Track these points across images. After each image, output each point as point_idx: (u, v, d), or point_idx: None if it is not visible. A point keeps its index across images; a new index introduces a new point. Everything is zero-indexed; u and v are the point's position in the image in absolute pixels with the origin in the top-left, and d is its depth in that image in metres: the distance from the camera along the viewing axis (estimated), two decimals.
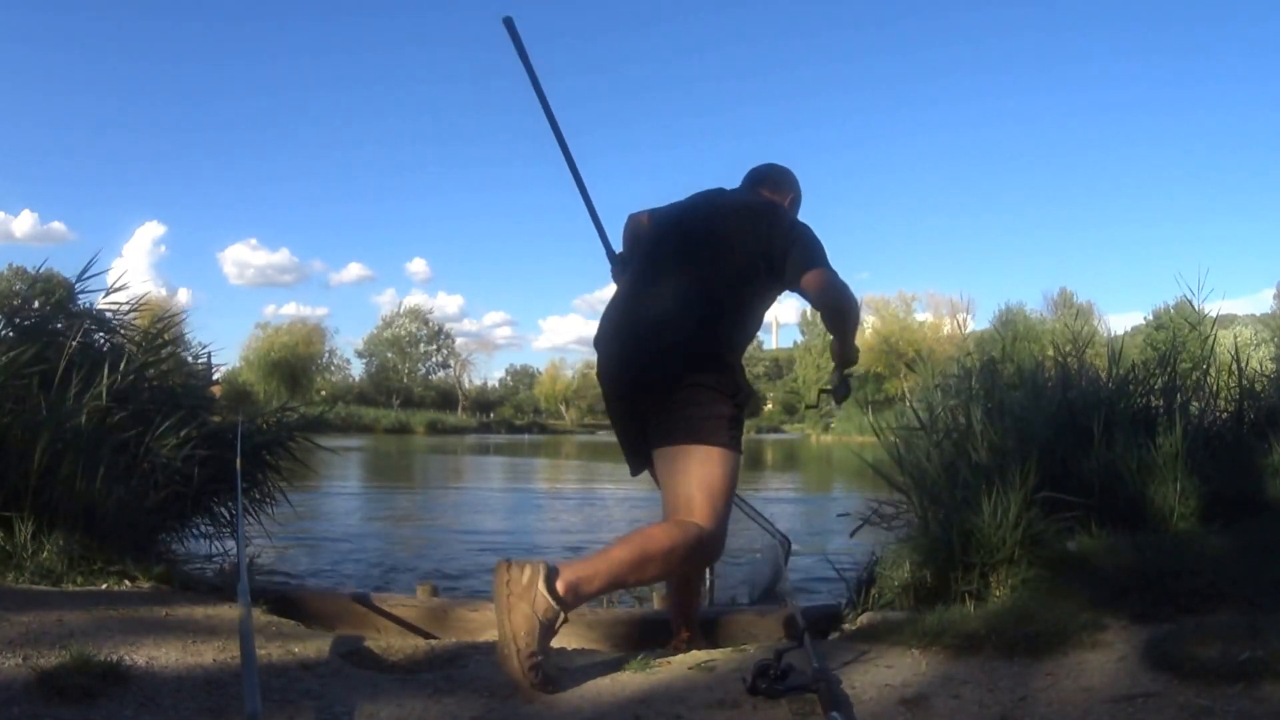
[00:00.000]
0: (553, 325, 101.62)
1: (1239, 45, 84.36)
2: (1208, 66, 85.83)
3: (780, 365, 77.32)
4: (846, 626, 2.55)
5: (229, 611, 2.47)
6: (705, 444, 2.19)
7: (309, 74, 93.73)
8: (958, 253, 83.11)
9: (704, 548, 2.16)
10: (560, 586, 1.92)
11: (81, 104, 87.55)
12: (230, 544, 3.95)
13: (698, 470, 2.18)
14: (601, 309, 2.59)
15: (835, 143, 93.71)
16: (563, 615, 1.93)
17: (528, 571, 1.92)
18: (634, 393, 2.35)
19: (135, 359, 3.87)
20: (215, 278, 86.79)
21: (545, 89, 2.73)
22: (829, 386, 2.64)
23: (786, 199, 2.68)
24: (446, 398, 65.83)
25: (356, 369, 65.83)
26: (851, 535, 3.30)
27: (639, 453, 2.43)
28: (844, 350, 2.52)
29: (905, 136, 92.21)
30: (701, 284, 2.34)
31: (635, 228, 2.70)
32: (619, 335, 2.40)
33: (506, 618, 1.88)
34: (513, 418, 63.87)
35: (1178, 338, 3.74)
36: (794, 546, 3.32)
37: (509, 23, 2.72)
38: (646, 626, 2.83)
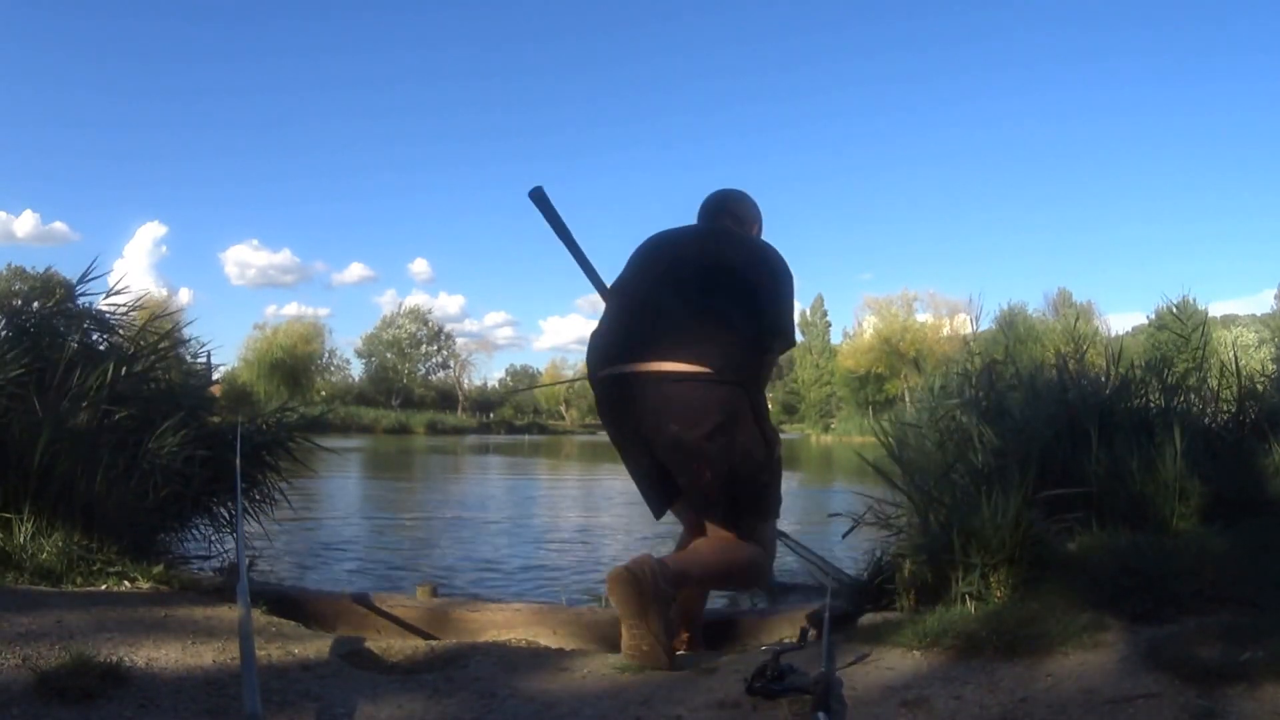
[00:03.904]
0: (554, 325, 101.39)
1: (1239, 45, 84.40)
2: (1208, 66, 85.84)
3: (780, 365, 77.22)
4: (847, 627, 2.55)
5: (229, 612, 2.46)
6: (763, 520, 2.36)
7: (311, 74, 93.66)
8: (959, 253, 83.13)
9: (763, 570, 2.41)
10: (672, 575, 2.10)
11: (82, 104, 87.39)
12: (230, 544, 3.95)
13: (756, 530, 2.34)
14: (604, 309, 2.55)
15: (837, 142, 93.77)
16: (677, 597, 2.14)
17: (650, 577, 2.06)
18: (656, 440, 2.29)
19: (135, 359, 3.87)
20: (217, 278, 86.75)
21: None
22: None
23: (752, 229, 2.62)
24: (446, 398, 65.84)
25: (356, 369, 65.94)
26: (843, 537, 3.30)
27: (664, 491, 2.41)
28: None
29: (907, 136, 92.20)
30: (702, 313, 2.28)
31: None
32: (620, 377, 2.30)
33: (642, 621, 2.05)
34: (513, 418, 63.88)
35: (1177, 339, 3.74)
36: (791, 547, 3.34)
37: (538, 194, 2.54)
38: None
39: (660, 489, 2.40)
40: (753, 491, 2.29)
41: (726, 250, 2.44)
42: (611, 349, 2.36)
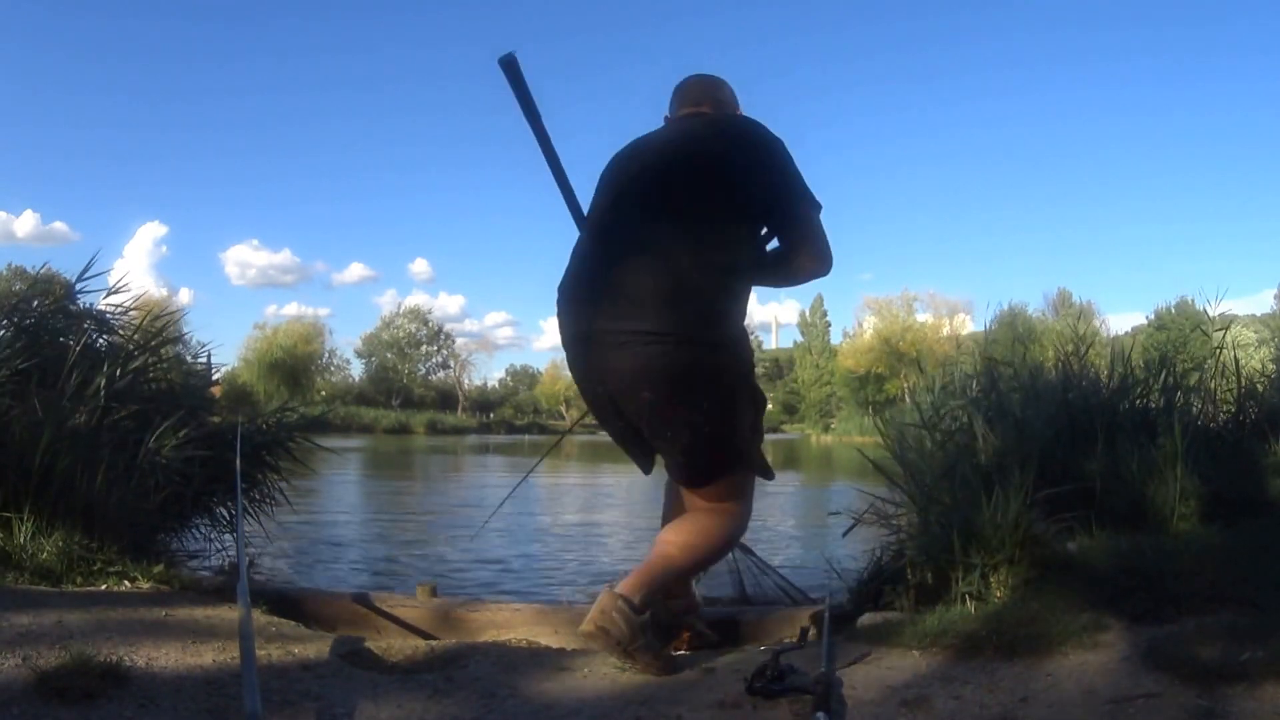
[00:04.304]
0: (554, 325, 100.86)
1: (1239, 45, 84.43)
2: (1208, 66, 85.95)
3: (780, 365, 77.33)
4: (847, 627, 2.55)
5: (229, 612, 2.46)
6: (741, 472, 2.25)
7: (311, 74, 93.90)
8: (959, 253, 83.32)
9: (740, 530, 2.34)
10: (638, 604, 2.03)
11: (83, 104, 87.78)
12: (230, 543, 3.95)
13: (734, 486, 2.25)
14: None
15: (837, 142, 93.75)
16: (649, 613, 2.07)
17: (621, 623, 1.99)
18: (627, 405, 2.15)
19: (135, 358, 3.87)
20: (217, 278, 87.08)
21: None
22: None
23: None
24: (446, 398, 65.76)
25: (356, 369, 65.89)
26: (844, 535, 3.30)
27: (644, 447, 2.31)
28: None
29: (907, 136, 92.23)
30: (679, 245, 2.07)
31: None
32: (587, 335, 2.14)
33: (634, 664, 2.03)
34: (513, 418, 63.80)
35: (1177, 339, 3.75)
36: (794, 548, 3.33)
37: (509, 63, 2.29)
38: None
39: (642, 447, 2.30)
40: (733, 450, 2.18)
41: (707, 142, 2.23)
42: (575, 305, 2.19)
